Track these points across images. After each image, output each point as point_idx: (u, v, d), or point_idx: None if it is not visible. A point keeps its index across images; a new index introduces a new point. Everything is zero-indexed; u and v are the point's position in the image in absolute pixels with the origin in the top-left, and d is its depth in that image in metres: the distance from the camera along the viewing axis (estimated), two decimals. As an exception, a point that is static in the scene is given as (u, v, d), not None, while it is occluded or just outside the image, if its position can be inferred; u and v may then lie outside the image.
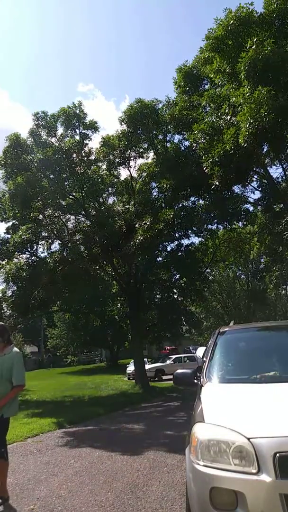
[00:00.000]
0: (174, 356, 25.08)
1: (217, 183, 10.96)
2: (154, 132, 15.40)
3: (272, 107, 8.80)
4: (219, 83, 11.65)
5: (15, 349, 4.05)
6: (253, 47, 9.43)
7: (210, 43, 11.08)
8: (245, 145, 9.31)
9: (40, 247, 16.71)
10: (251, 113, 9.01)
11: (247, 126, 9.08)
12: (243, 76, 9.71)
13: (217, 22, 10.86)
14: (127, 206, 16.78)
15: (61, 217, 16.23)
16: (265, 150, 11.88)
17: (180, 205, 16.27)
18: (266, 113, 8.83)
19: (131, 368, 21.97)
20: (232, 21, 10.37)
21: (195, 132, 11.23)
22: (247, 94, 9.37)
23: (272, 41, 9.54)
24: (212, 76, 11.60)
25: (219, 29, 10.64)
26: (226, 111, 10.53)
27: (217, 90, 11.65)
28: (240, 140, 9.40)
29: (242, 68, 9.61)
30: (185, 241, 17.89)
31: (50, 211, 15.76)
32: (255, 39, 9.55)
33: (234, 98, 10.11)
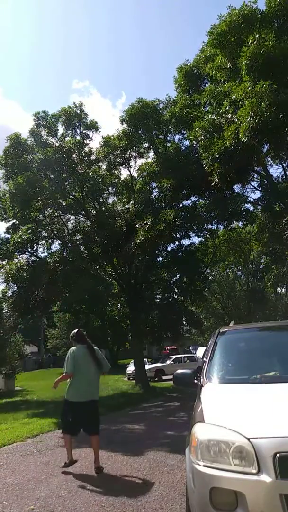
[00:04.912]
0: (174, 356, 25.07)
1: (216, 180, 10.89)
2: (155, 132, 15.39)
3: (273, 101, 8.77)
4: (221, 80, 11.67)
5: (72, 347, 5.22)
6: (254, 42, 9.44)
7: (212, 39, 11.15)
8: (245, 139, 9.24)
9: (40, 247, 16.73)
10: (252, 107, 8.97)
11: (248, 120, 9.04)
12: (244, 72, 9.71)
13: (220, 19, 10.93)
14: (127, 206, 16.78)
15: (61, 217, 16.24)
16: (265, 149, 11.86)
17: (181, 205, 16.27)
18: (267, 107, 8.79)
19: (131, 368, 21.98)
20: (234, 18, 10.43)
21: (196, 130, 11.21)
22: (249, 88, 9.35)
23: (273, 36, 9.55)
24: (213, 73, 11.62)
25: (222, 25, 10.71)
26: (227, 108, 10.52)
27: (218, 87, 11.65)
28: (240, 135, 9.34)
29: (243, 62, 9.61)
30: (186, 242, 17.84)
31: (50, 211, 15.76)
32: (256, 35, 9.57)
33: (235, 94, 10.10)
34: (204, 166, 10.98)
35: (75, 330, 5.43)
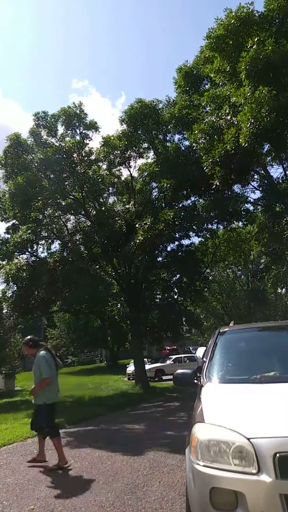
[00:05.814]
0: (174, 356, 25.06)
1: (217, 183, 10.93)
2: (154, 132, 15.39)
3: (273, 106, 8.77)
4: (220, 83, 11.63)
5: (40, 353, 5.28)
6: (253, 47, 9.41)
7: (210, 43, 11.07)
8: (246, 145, 9.28)
9: (40, 247, 16.72)
10: (252, 113, 8.97)
11: (248, 126, 9.06)
12: (243, 76, 9.68)
13: (217, 21, 10.84)
14: (127, 206, 16.77)
15: (61, 217, 16.23)
16: (265, 150, 11.86)
17: (181, 205, 16.27)
18: (267, 113, 8.79)
19: (131, 368, 21.96)
20: (232, 21, 10.34)
21: (195, 132, 11.21)
22: (248, 94, 9.35)
23: (272, 41, 9.51)
24: (212, 75, 11.58)
25: (219, 29, 10.60)
26: (227, 111, 10.52)
27: (217, 90, 11.64)
28: (240, 140, 9.36)
29: (242, 67, 9.59)
30: (186, 241, 17.86)
31: (50, 211, 15.76)
32: (256, 39, 9.53)
33: (234, 98, 10.09)
34: (204, 169, 10.98)
35: (29, 337, 5.62)
